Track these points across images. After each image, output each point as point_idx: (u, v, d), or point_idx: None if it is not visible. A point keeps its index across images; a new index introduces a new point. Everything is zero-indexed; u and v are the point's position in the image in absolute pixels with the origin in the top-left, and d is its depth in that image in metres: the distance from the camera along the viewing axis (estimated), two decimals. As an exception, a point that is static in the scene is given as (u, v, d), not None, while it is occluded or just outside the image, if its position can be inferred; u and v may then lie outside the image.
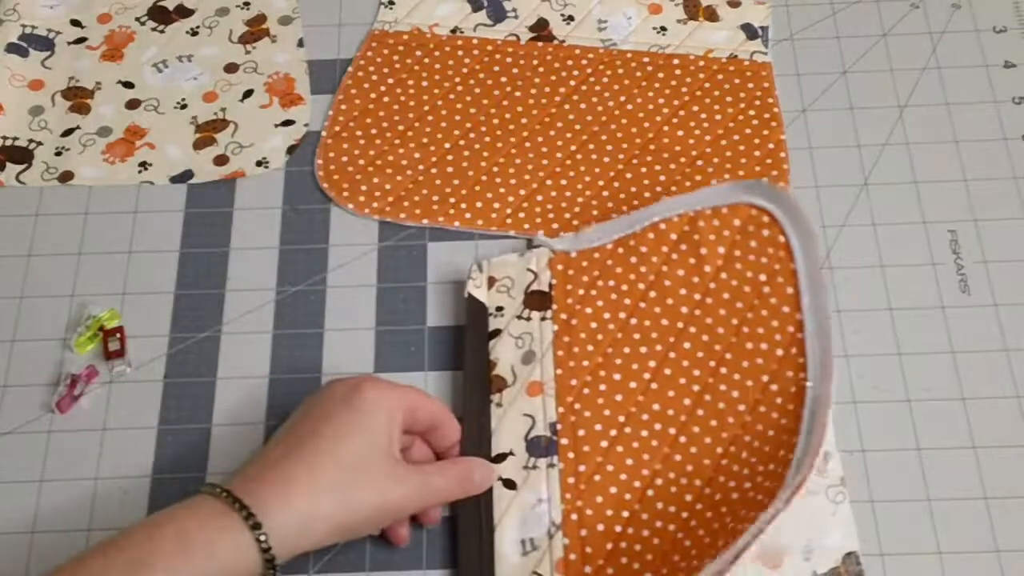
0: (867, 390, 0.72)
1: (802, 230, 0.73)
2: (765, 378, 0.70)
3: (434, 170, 0.82)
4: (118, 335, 0.75)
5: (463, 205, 0.80)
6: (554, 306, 0.74)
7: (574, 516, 0.67)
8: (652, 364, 0.72)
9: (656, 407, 0.70)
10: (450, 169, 0.82)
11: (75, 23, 0.90)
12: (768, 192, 0.75)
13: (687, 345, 0.72)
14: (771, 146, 0.81)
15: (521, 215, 0.80)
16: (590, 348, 0.72)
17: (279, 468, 0.60)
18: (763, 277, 0.73)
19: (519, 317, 0.74)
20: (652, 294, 0.74)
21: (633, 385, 0.71)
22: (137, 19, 0.90)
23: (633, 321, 0.73)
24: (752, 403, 0.69)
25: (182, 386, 0.74)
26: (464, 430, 0.70)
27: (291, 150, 0.83)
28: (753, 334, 0.71)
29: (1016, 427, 0.71)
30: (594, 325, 0.73)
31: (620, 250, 0.76)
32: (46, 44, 0.89)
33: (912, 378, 0.73)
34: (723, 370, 0.71)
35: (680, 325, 0.72)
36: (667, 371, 0.71)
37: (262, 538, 0.57)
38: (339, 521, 0.60)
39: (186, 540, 0.56)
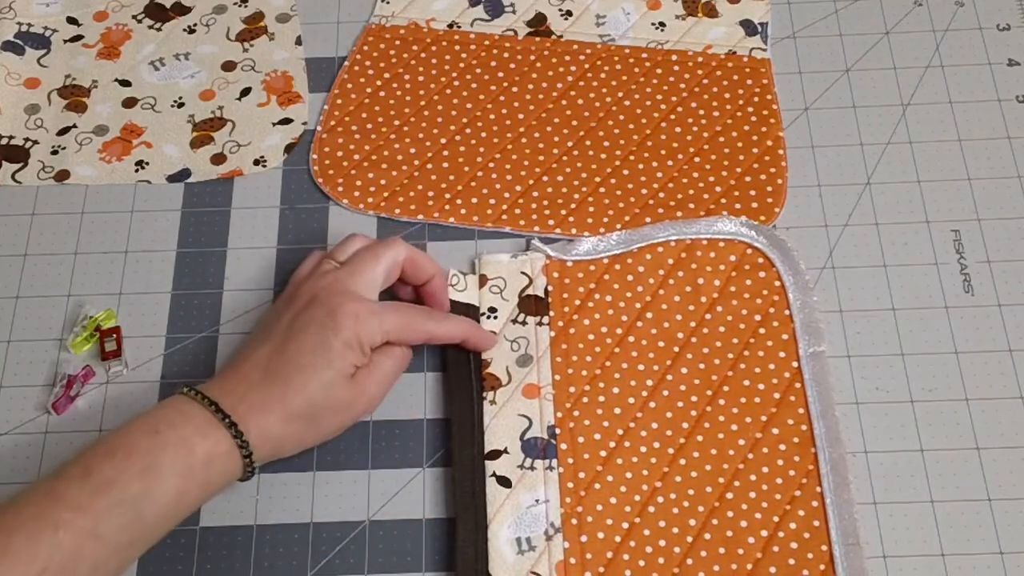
0: (870, 391, 0.72)
1: (797, 277, 0.75)
2: (764, 418, 0.71)
3: (430, 166, 0.81)
4: (114, 335, 0.74)
5: (459, 201, 0.80)
6: (551, 313, 0.74)
7: (574, 520, 0.68)
8: (650, 383, 0.72)
9: (654, 426, 0.71)
10: (446, 165, 0.81)
11: (71, 21, 0.89)
12: (765, 234, 0.76)
13: (684, 370, 0.72)
14: (769, 143, 0.81)
15: (518, 211, 0.79)
16: (588, 358, 0.73)
17: (258, 393, 0.64)
18: (758, 317, 0.74)
19: (514, 321, 0.74)
20: (648, 315, 0.74)
21: (631, 401, 0.71)
22: (134, 17, 0.89)
23: (631, 339, 0.74)
24: (752, 442, 0.70)
25: (179, 387, 0.73)
26: (453, 427, 0.71)
27: (289, 148, 0.83)
28: (750, 372, 0.72)
29: (1020, 428, 0.71)
30: (591, 336, 0.74)
31: (617, 267, 0.76)
32: (42, 42, 0.88)
33: (915, 379, 0.72)
34: (721, 401, 0.71)
35: (676, 349, 0.73)
36: (665, 392, 0.72)
37: (246, 456, 0.63)
38: (308, 441, 0.67)
39: (192, 451, 0.61)
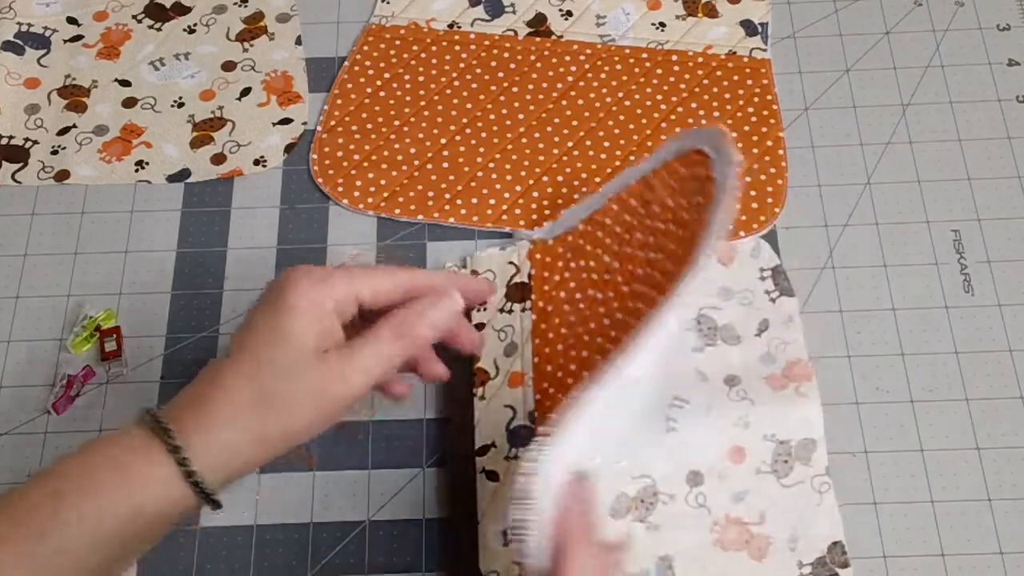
0: (870, 391, 0.72)
1: (727, 180, 0.64)
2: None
3: (430, 166, 0.81)
4: (114, 335, 0.74)
5: (459, 201, 0.80)
6: (532, 296, 0.74)
7: None
8: (613, 334, 0.69)
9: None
10: (446, 165, 0.81)
11: (71, 21, 0.89)
12: (711, 136, 0.66)
13: (640, 305, 0.67)
14: (770, 143, 0.81)
15: (517, 211, 0.79)
16: (564, 331, 0.72)
17: (203, 400, 0.55)
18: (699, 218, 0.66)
19: (501, 310, 0.75)
20: (616, 264, 0.72)
21: (597, 357, 0.69)
22: (134, 17, 0.89)
23: (599, 295, 0.71)
24: None
25: (179, 387, 0.72)
26: (448, 427, 0.71)
27: (289, 148, 0.83)
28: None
29: (1020, 428, 0.71)
30: (567, 308, 0.73)
31: (589, 227, 0.75)
32: (42, 42, 0.88)
33: (915, 379, 0.73)
34: None
35: (637, 287, 0.68)
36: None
37: (188, 467, 0.54)
38: (266, 453, 0.56)
39: (118, 468, 0.54)
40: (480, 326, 0.74)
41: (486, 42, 0.87)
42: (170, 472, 0.54)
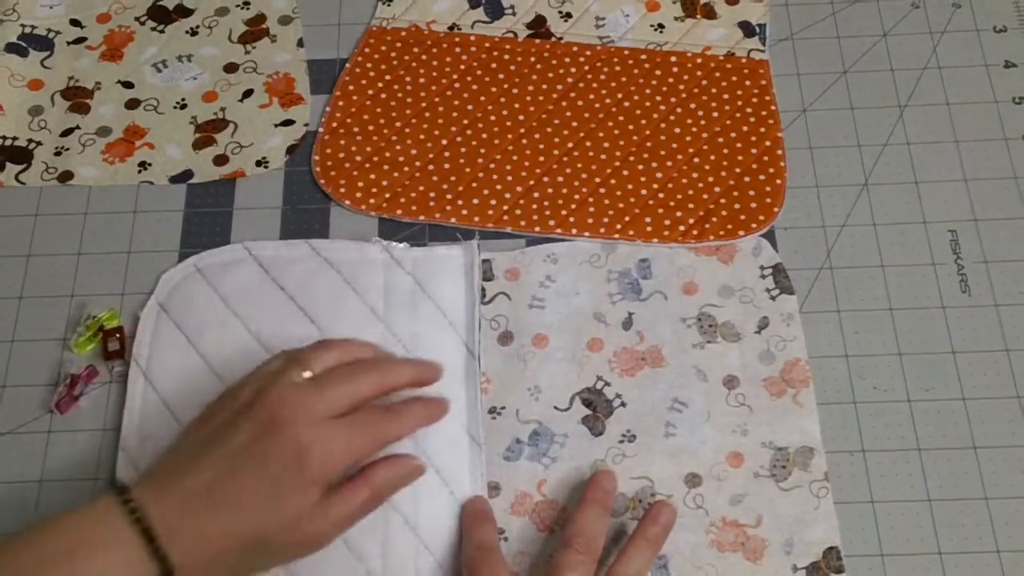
0: (867, 390, 0.72)
1: None
2: None
3: (431, 167, 0.82)
4: (117, 335, 0.75)
5: (460, 202, 0.80)
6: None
7: None
8: None
9: None
10: (447, 166, 0.82)
11: (74, 23, 0.90)
12: None
13: None
14: (768, 143, 0.81)
15: (518, 212, 0.80)
16: None
17: (198, 523, 0.58)
18: None
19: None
20: None
21: None
22: (137, 19, 0.90)
23: None
24: None
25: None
26: None
27: (291, 150, 0.83)
28: None
29: (1016, 427, 0.71)
30: None
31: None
32: (45, 44, 0.88)
33: (912, 378, 0.73)
34: None
35: None
36: None
37: (162, 554, 0.57)
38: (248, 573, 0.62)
39: (87, 545, 0.56)
40: None
41: (486, 44, 0.87)
42: (138, 552, 0.57)
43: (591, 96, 0.84)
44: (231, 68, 0.87)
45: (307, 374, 0.63)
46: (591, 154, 0.82)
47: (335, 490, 0.61)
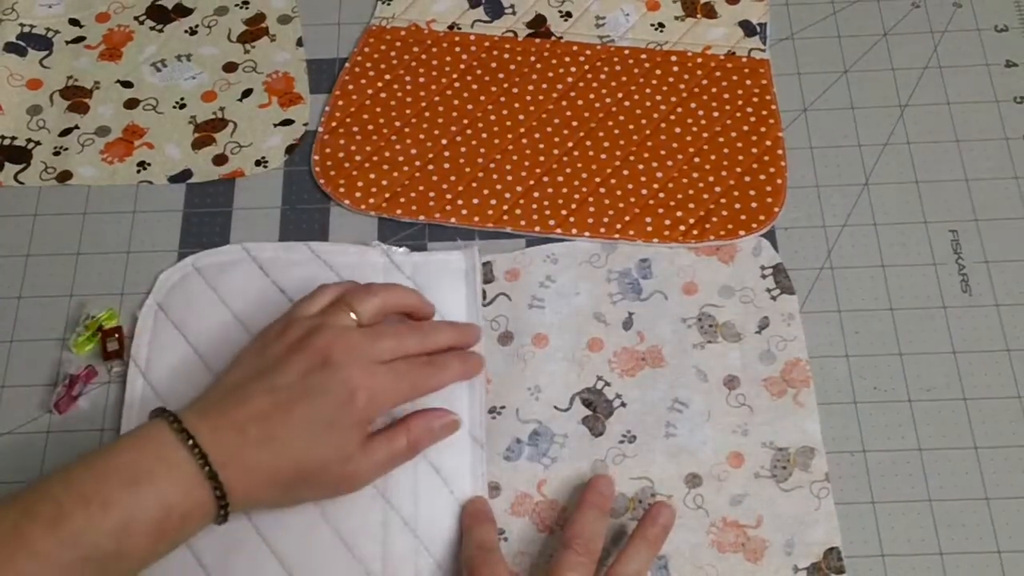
0: (868, 390, 0.72)
1: None
2: None
3: (431, 167, 0.82)
4: (116, 335, 0.75)
5: (460, 202, 0.80)
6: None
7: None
8: None
9: None
10: (447, 165, 0.82)
11: (73, 22, 0.90)
12: None
13: None
14: (769, 143, 0.81)
15: (518, 211, 0.79)
16: None
17: (251, 453, 0.61)
18: None
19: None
20: None
21: None
22: (136, 18, 0.90)
23: None
24: None
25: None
26: None
27: (290, 150, 0.83)
28: None
29: (1017, 427, 0.71)
30: None
31: None
32: (44, 43, 0.88)
33: (913, 378, 0.73)
34: None
35: None
36: None
37: (222, 512, 0.61)
38: (280, 506, 0.66)
39: (170, 513, 0.58)
40: None
41: (486, 43, 0.87)
42: (195, 477, 0.59)
43: (591, 96, 0.84)
44: (230, 67, 0.87)
45: (353, 316, 0.67)
46: (591, 154, 0.82)
47: (376, 435, 0.66)
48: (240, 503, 0.61)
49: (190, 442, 0.59)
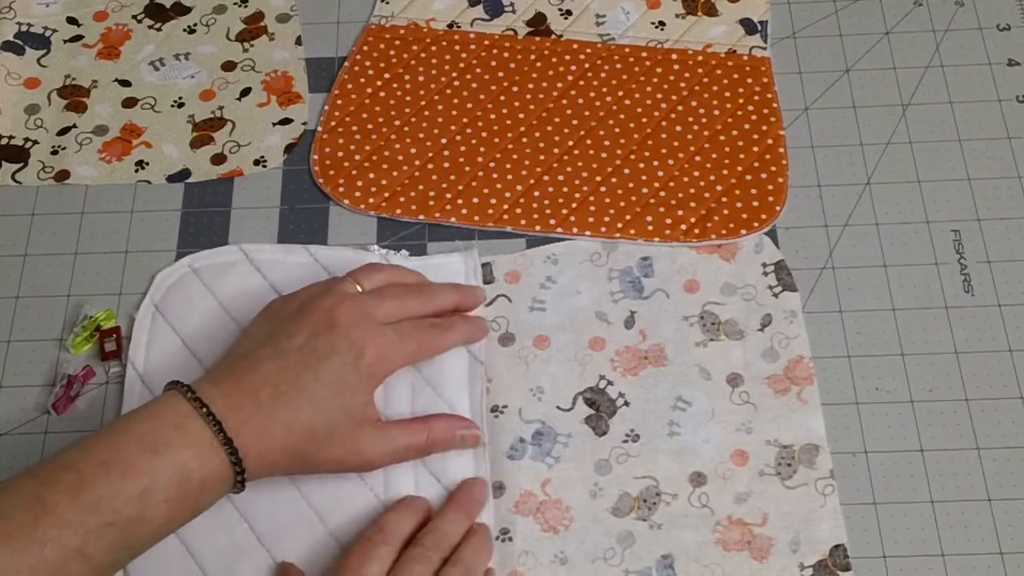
0: (870, 391, 0.72)
1: None
2: None
3: (431, 166, 0.81)
4: (114, 336, 0.74)
5: (460, 201, 0.80)
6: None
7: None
8: None
9: None
10: (447, 165, 0.81)
11: (71, 21, 0.89)
12: None
13: None
14: (770, 141, 0.81)
15: (518, 211, 0.79)
16: None
17: (264, 417, 0.62)
18: None
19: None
20: None
21: None
22: (134, 17, 0.89)
23: None
24: None
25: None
26: None
27: (289, 149, 0.83)
28: None
29: (1020, 428, 0.71)
30: None
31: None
32: (42, 42, 0.88)
33: (915, 379, 0.73)
34: None
35: None
36: None
37: (239, 479, 0.62)
38: (295, 473, 0.67)
39: (188, 478, 0.60)
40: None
41: (486, 42, 0.87)
42: (209, 442, 0.60)
43: (591, 94, 0.84)
44: (229, 66, 0.87)
45: (358, 288, 0.69)
46: (591, 152, 0.82)
47: (396, 423, 0.68)
48: (255, 469, 0.62)
49: (204, 410, 0.61)
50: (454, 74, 0.86)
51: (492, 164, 0.81)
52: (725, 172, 0.80)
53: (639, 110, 0.83)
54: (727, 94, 0.84)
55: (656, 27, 0.87)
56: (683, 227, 0.78)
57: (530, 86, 0.85)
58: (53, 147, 0.83)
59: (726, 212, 0.78)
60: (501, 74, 0.85)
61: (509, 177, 0.81)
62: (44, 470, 0.58)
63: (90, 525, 0.56)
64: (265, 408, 0.62)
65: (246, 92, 0.85)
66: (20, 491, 0.57)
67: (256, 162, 0.82)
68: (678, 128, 0.82)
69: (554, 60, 0.86)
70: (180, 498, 0.59)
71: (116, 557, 0.58)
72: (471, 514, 0.67)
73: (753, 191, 0.79)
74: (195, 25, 0.89)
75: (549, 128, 0.83)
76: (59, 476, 0.57)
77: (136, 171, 0.82)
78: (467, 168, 0.81)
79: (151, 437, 0.60)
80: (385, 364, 0.66)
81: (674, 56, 0.86)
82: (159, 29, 0.89)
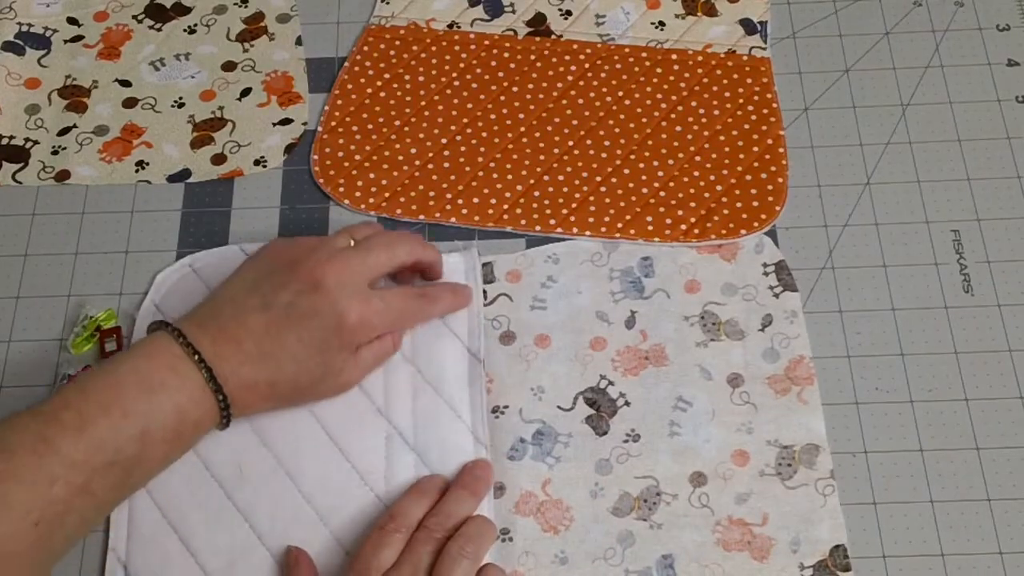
0: (869, 391, 0.72)
1: None
2: None
3: (431, 166, 0.81)
4: (115, 336, 0.74)
5: (460, 201, 0.80)
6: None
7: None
8: None
9: None
10: (447, 165, 0.81)
11: (72, 21, 0.89)
12: None
13: None
14: (770, 141, 0.81)
15: (519, 211, 0.79)
16: None
17: (250, 369, 0.65)
18: None
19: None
20: None
21: None
22: (134, 17, 0.89)
23: None
24: None
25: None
26: None
27: (289, 149, 0.83)
28: None
29: (1019, 428, 0.71)
30: None
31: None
32: (42, 42, 0.88)
33: (915, 379, 0.73)
34: None
35: None
36: None
37: (225, 419, 0.66)
38: (277, 411, 0.70)
39: (184, 419, 0.63)
40: None
41: (486, 42, 0.87)
42: (201, 385, 0.64)
43: (591, 94, 0.84)
44: (229, 66, 0.87)
45: (352, 242, 0.71)
46: (592, 152, 0.82)
47: (367, 345, 0.70)
48: (240, 411, 0.66)
49: (196, 356, 0.64)
50: (454, 74, 0.86)
51: (492, 164, 0.81)
52: (725, 172, 0.80)
53: (639, 110, 0.83)
54: (727, 94, 0.84)
55: (656, 27, 0.87)
56: (683, 227, 0.78)
57: (530, 86, 0.85)
58: (53, 147, 0.83)
59: (726, 212, 0.78)
60: (501, 74, 0.85)
61: (509, 177, 0.81)
62: (44, 411, 0.61)
63: (95, 464, 0.60)
64: (250, 361, 0.65)
65: (246, 92, 0.85)
66: (23, 430, 0.60)
67: (256, 162, 0.82)
68: (678, 128, 0.82)
69: (554, 60, 0.86)
70: (176, 438, 0.63)
71: (118, 494, 0.62)
72: (476, 492, 0.68)
73: (753, 191, 0.79)
74: (195, 25, 0.89)
75: (549, 128, 0.83)
76: (61, 416, 0.60)
77: (136, 171, 0.82)
78: (467, 168, 0.81)
79: (147, 379, 0.63)
80: (367, 329, 0.68)
81: (674, 56, 0.86)
82: (159, 29, 0.89)
